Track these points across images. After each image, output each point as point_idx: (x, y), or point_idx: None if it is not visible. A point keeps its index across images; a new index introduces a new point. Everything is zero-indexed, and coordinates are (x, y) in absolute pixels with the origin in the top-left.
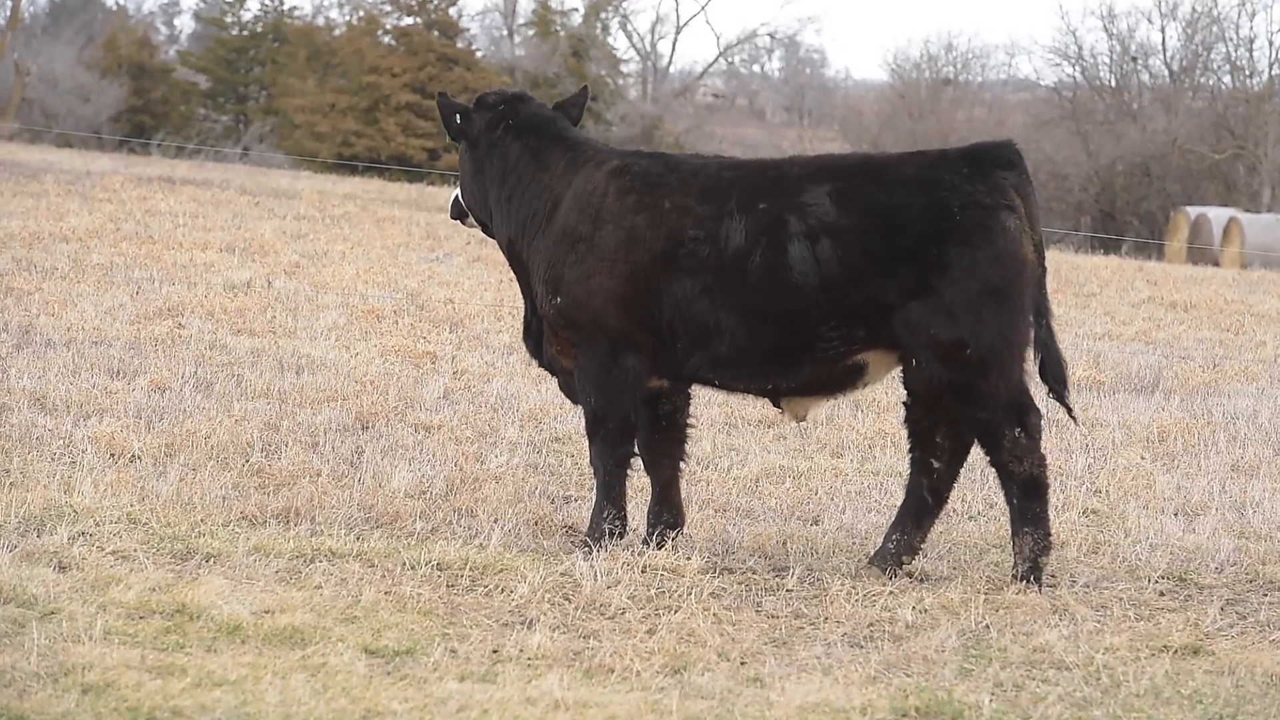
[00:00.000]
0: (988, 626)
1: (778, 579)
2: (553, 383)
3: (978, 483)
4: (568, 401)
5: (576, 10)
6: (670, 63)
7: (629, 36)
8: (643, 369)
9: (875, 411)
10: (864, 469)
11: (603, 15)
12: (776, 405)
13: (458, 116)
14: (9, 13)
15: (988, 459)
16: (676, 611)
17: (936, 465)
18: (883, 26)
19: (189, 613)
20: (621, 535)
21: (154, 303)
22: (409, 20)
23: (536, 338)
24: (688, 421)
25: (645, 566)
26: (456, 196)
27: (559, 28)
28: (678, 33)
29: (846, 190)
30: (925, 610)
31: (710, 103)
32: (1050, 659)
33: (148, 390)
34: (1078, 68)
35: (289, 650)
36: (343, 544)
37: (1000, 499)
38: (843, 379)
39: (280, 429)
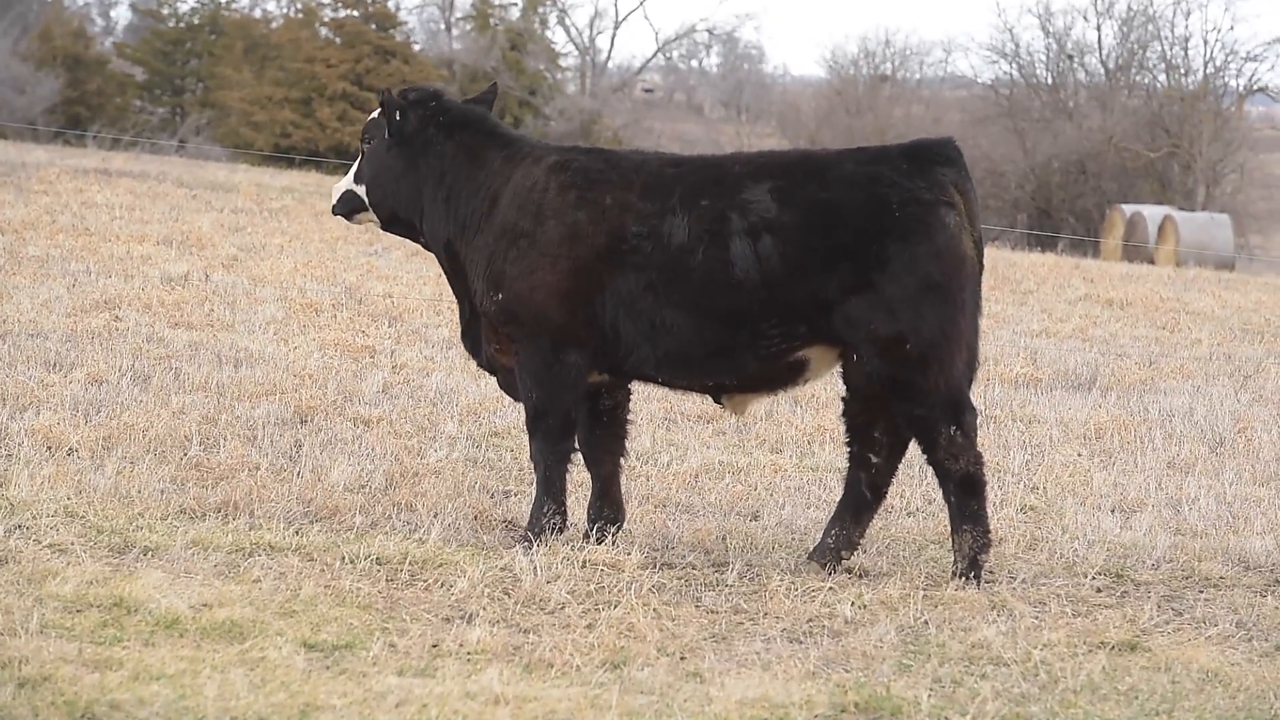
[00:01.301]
0: (926, 622)
1: (717, 574)
2: (492, 379)
3: (916, 479)
4: (507, 396)
5: (514, 4)
6: (609, 58)
7: (567, 31)
8: (584, 364)
9: (814, 407)
10: (803, 465)
11: (540, 9)
12: (718, 401)
13: (398, 114)
14: None
15: (925, 457)
16: (616, 606)
17: (875, 460)
18: (821, 23)
19: (127, 606)
20: (561, 530)
21: (91, 295)
22: (346, 13)
23: (475, 337)
24: (628, 417)
25: (585, 561)
26: (349, 191)
27: (497, 22)
28: (616, 28)
29: (787, 187)
30: (864, 606)
31: (648, 98)
32: (988, 655)
33: (85, 383)
34: (1014, 65)
35: (227, 644)
36: (281, 538)
37: (939, 495)
38: (784, 375)
39: (219, 422)
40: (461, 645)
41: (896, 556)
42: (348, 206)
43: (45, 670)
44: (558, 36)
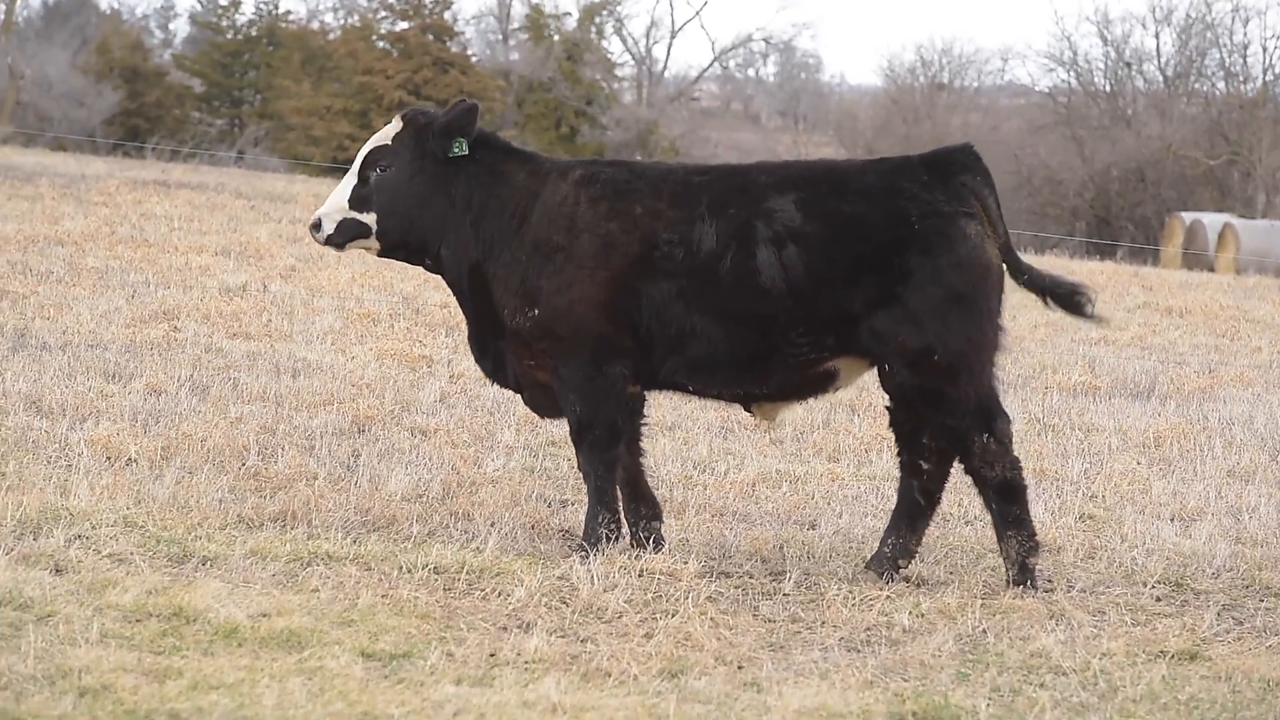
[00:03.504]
0: (984, 631)
1: (775, 583)
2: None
3: (973, 488)
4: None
5: (570, 15)
6: (665, 67)
7: (624, 41)
8: (627, 374)
9: (872, 415)
10: (860, 473)
11: (597, 20)
12: (748, 410)
13: (435, 138)
14: (2, 16)
15: (961, 466)
16: (674, 615)
17: (926, 466)
18: (878, 31)
19: (186, 616)
20: (616, 539)
21: (149, 306)
22: (404, 24)
23: (496, 357)
24: (642, 419)
25: (642, 570)
26: (350, 219)
27: (553, 32)
28: (672, 37)
29: (810, 199)
30: (922, 615)
31: (705, 107)
32: (1047, 664)
33: (144, 393)
34: (1072, 73)
35: (286, 653)
36: (339, 547)
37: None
38: (814, 384)
39: (276, 432)
40: (519, 654)
41: (954, 565)
42: (347, 235)
43: (105, 679)
44: (614, 46)
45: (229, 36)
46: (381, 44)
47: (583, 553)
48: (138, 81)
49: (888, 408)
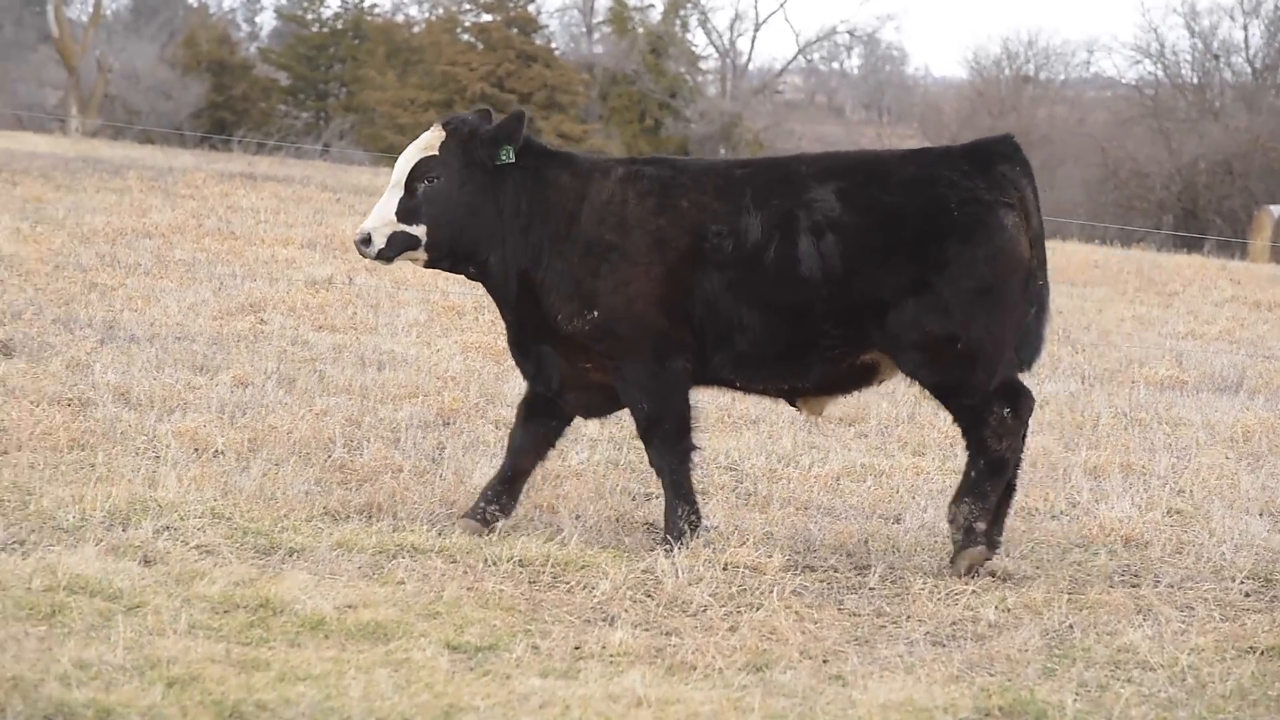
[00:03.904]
0: (1071, 626)
1: (860, 577)
2: None
3: (1060, 481)
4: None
5: (654, 7)
6: (749, 60)
7: (708, 34)
8: (689, 367)
9: None
10: (945, 467)
11: (681, 12)
12: (793, 405)
13: (484, 146)
14: (91, 10)
15: (966, 433)
16: (758, 609)
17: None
18: (963, 23)
19: (273, 607)
20: (698, 529)
21: (236, 298)
22: (487, 17)
23: (538, 361)
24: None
25: (726, 564)
26: (400, 232)
27: (637, 25)
28: (756, 30)
29: (851, 189)
30: (1008, 609)
31: (789, 100)
32: (1134, 659)
33: (230, 385)
34: (1159, 65)
35: (372, 645)
36: (425, 540)
37: (1083, 498)
38: (855, 377)
39: (362, 425)
40: (604, 647)
41: (1040, 560)
42: (398, 248)
43: (193, 670)
44: (698, 39)
45: (314, 30)
46: (465, 36)
47: (667, 546)
48: (224, 75)
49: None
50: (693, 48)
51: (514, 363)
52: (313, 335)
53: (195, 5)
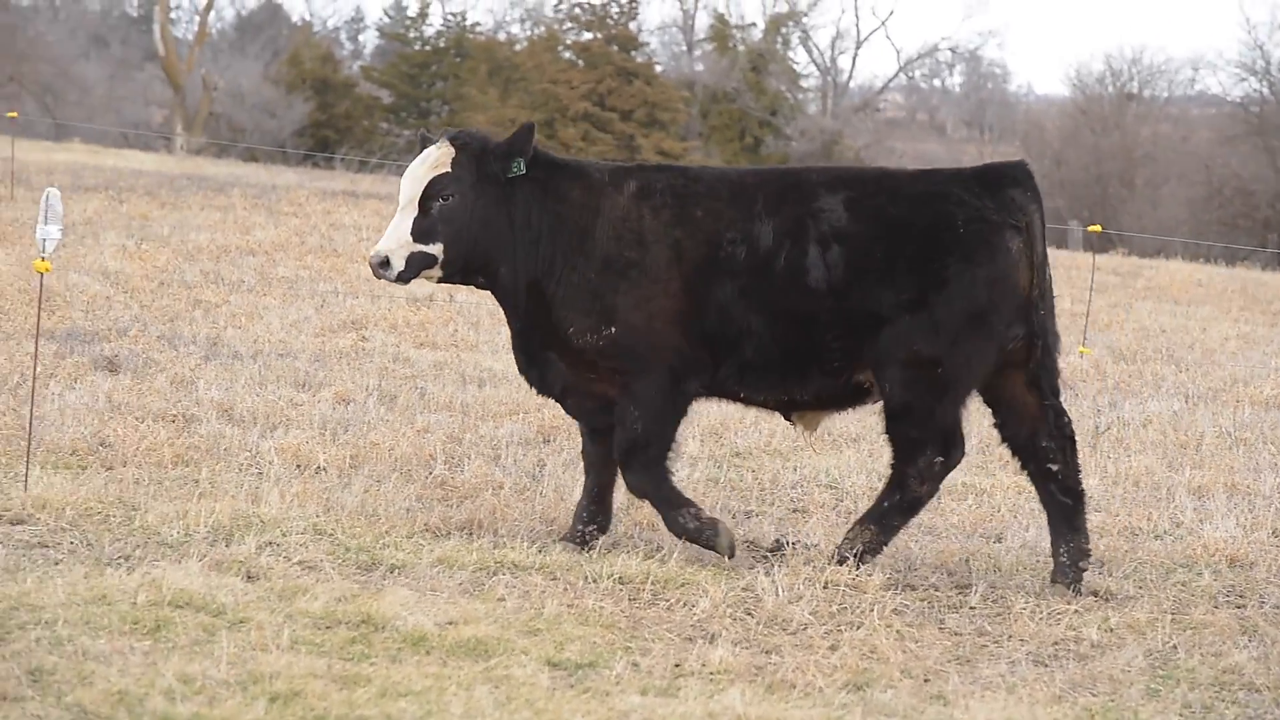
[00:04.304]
0: (1175, 647)
1: (960, 596)
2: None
3: (1163, 501)
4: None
5: (755, 25)
6: (850, 78)
7: (809, 51)
8: (699, 392)
9: None
10: None
11: (783, 30)
12: (788, 419)
13: (496, 161)
14: (196, 29)
15: (896, 463)
16: (859, 628)
17: (1054, 468)
18: (1066, 40)
19: (374, 623)
20: (715, 533)
21: (338, 316)
22: (588, 35)
23: (543, 367)
24: None
25: (827, 582)
26: (418, 253)
27: (738, 43)
28: (857, 48)
29: (859, 199)
30: (1111, 629)
31: (890, 118)
32: (1240, 680)
33: (332, 402)
34: (1265, 82)
35: (473, 661)
36: (525, 556)
37: (1187, 518)
38: (851, 394)
39: (463, 442)
40: (704, 665)
41: (1143, 580)
42: (417, 268)
43: (296, 685)
44: (799, 57)
45: (417, 48)
46: (567, 54)
47: (702, 544)
48: (328, 93)
49: (996, 424)
50: (794, 65)
51: (517, 369)
52: (414, 352)
53: (299, 24)
